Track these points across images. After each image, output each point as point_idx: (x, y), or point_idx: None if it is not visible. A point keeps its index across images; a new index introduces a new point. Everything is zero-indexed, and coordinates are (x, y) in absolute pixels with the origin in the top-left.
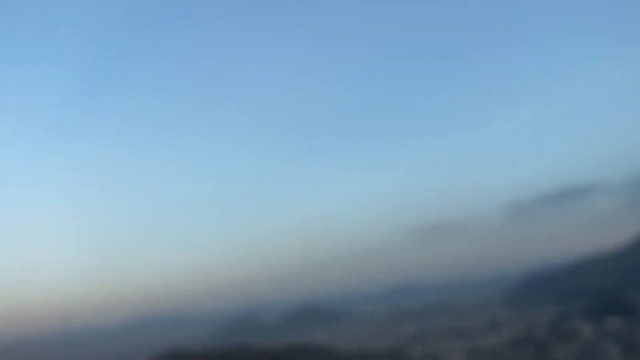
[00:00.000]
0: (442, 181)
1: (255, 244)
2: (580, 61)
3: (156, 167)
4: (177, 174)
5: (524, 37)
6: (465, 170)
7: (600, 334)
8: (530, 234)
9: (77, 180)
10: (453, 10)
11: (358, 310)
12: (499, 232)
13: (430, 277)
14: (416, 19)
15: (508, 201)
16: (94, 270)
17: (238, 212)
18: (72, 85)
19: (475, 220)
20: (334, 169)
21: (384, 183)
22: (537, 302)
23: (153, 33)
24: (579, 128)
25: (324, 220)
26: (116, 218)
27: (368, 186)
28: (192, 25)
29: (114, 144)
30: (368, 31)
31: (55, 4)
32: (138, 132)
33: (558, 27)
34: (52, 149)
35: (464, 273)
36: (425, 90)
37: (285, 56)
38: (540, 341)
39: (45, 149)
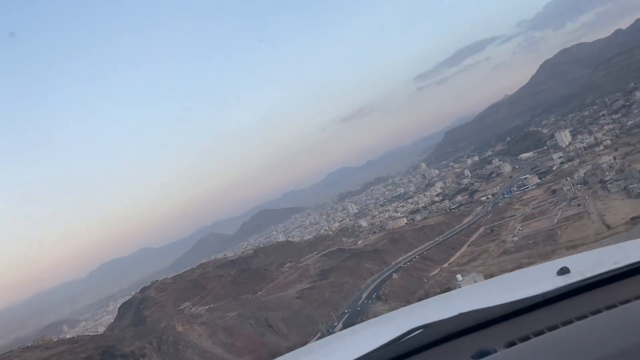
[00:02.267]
0: (351, 70)
1: (197, 168)
2: None
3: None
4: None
5: None
6: (370, 56)
7: (519, 168)
8: (440, 97)
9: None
10: None
11: (306, 203)
12: (412, 102)
13: (362, 158)
14: None
15: (414, 73)
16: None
17: (173, 144)
18: None
19: (389, 97)
20: (250, 77)
21: (298, 87)
22: (459, 155)
23: None
24: None
25: (255, 131)
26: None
27: (281, 93)
28: None
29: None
30: None
31: None
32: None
33: None
34: None
35: (391, 147)
36: None
37: None
38: (469, 187)
39: None
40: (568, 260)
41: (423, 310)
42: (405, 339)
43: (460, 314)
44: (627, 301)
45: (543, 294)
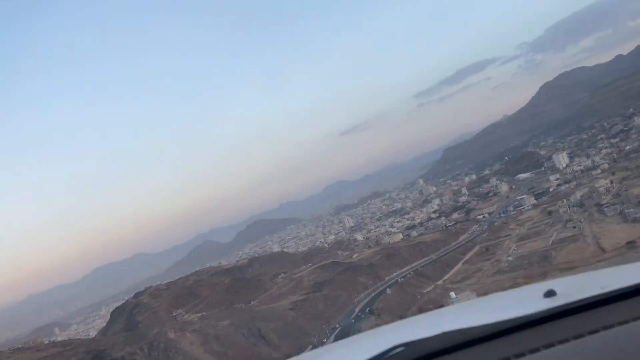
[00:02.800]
0: (352, 84)
1: (195, 175)
2: None
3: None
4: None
5: None
6: (371, 71)
7: (516, 189)
8: (440, 114)
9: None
10: None
11: (303, 214)
12: (412, 118)
13: (360, 172)
14: None
15: (415, 90)
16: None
17: (172, 149)
18: None
19: (389, 113)
20: (248, 92)
21: (299, 99)
22: (457, 173)
23: None
24: (468, 8)
25: (254, 140)
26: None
27: (286, 103)
28: None
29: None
30: None
31: None
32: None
33: None
34: None
35: (389, 162)
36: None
37: None
38: (466, 205)
39: None
40: (556, 283)
41: (408, 328)
42: (386, 356)
43: (444, 333)
44: (610, 327)
45: (527, 316)
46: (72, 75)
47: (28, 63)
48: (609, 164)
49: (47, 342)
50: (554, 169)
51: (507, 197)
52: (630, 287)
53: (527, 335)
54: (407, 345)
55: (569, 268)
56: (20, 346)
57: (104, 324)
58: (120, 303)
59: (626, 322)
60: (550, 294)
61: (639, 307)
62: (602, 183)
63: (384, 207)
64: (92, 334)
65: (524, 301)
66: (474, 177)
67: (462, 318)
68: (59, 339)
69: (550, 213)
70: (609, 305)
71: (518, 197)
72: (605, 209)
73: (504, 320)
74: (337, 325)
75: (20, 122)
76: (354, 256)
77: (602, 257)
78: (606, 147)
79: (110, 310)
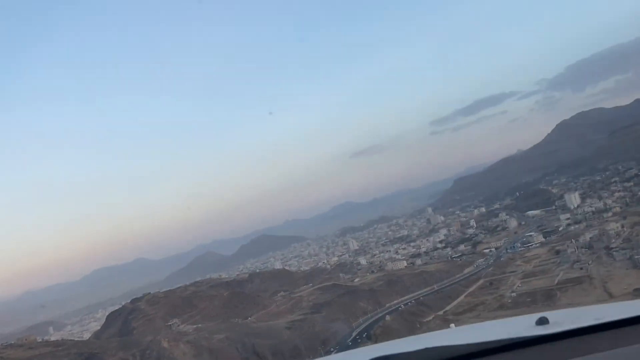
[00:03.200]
0: (367, 107)
1: (202, 184)
2: None
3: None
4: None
5: None
6: (387, 95)
7: (525, 225)
8: (453, 144)
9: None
10: None
11: (307, 233)
12: (425, 145)
13: (369, 195)
14: None
15: (430, 118)
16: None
17: (181, 158)
18: None
19: (403, 138)
20: (264, 107)
21: (312, 116)
22: (466, 204)
23: None
24: (489, 40)
25: (264, 153)
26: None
27: (299, 119)
28: None
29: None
30: None
31: None
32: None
33: None
34: None
35: (399, 187)
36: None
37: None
38: (473, 237)
39: None
40: (550, 313)
41: (393, 345)
42: None
43: (425, 349)
44: (596, 351)
45: (513, 339)
46: (75, 74)
47: (29, 60)
48: (620, 208)
49: (40, 340)
50: (565, 209)
51: (516, 232)
52: (624, 319)
53: (511, 357)
54: (384, 358)
55: None
56: (12, 342)
57: (99, 327)
58: (117, 307)
59: (613, 348)
60: (542, 321)
61: (630, 335)
62: (613, 226)
63: (390, 232)
64: (86, 336)
65: (515, 327)
66: (483, 209)
67: (448, 338)
68: (53, 338)
69: (558, 252)
70: (599, 332)
71: (526, 234)
72: (614, 252)
73: (488, 341)
74: (332, 349)
75: (25, 121)
76: (356, 280)
77: (609, 302)
78: (619, 191)
79: (107, 313)
